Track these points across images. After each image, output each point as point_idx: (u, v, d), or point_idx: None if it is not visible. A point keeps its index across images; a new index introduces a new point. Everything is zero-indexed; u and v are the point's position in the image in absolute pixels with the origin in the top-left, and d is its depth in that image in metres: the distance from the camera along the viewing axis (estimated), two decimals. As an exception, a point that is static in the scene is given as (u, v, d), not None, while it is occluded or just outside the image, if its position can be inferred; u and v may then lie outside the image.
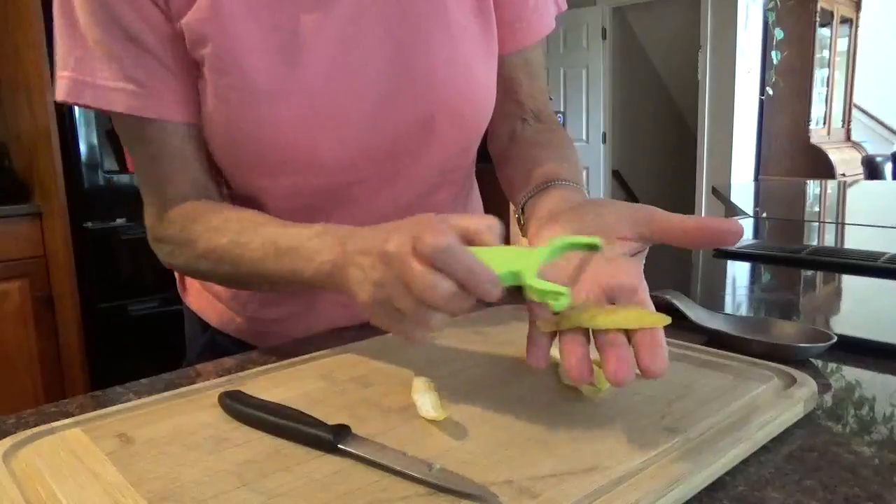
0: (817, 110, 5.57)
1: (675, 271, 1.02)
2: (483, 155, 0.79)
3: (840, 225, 1.57)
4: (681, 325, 0.64)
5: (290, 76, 0.59)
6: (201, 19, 0.57)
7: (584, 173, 5.67)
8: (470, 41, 0.65)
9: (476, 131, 0.70)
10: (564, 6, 0.76)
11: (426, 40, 0.62)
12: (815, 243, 1.26)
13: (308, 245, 0.50)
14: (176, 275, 0.83)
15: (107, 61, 0.57)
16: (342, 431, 0.41)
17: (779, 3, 4.78)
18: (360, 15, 0.60)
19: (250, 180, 0.65)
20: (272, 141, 0.60)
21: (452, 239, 0.39)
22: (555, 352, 0.54)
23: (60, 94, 0.59)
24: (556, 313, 0.43)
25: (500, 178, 0.72)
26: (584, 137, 5.66)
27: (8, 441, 0.42)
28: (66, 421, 0.45)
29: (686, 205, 5.25)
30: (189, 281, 0.81)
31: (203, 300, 0.79)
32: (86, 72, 0.57)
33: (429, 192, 0.71)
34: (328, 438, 0.40)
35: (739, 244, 1.07)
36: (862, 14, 5.97)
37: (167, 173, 0.62)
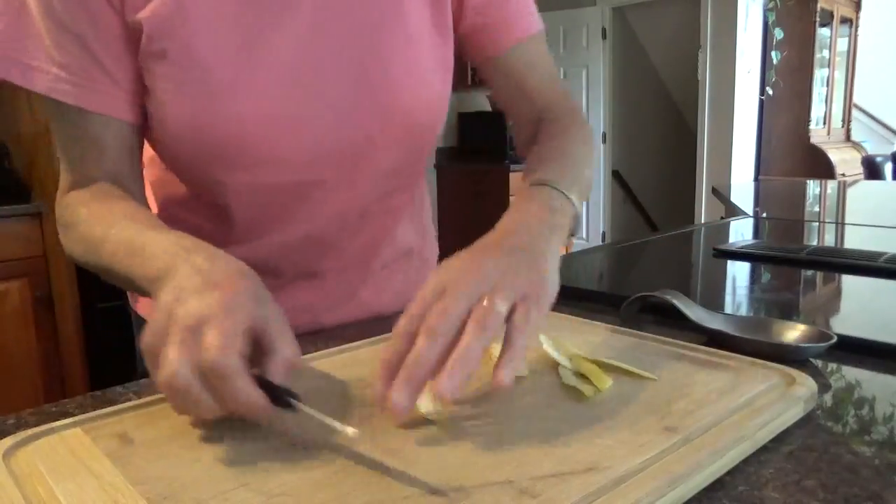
0: (817, 110, 5.57)
1: (675, 271, 1.02)
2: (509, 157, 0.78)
3: (840, 225, 1.57)
4: (681, 325, 0.64)
5: (251, 73, 0.59)
6: (164, 12, 0.57)
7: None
8: (427, 51, 0.67)
9: (428, 138, 0.71)
10: None
11: (385, 47, 0.64)
12: (815, 243, 1.26)
13: (151, 248, 0.49)
14: None
15: (39, 41, 0.57)
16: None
17: (779, 3, 4.78)
18: (323, 18, 0.61)
19: (208, 174, 0.65)
20: (231, 135, 0.61)
21: (233, 363, 0.39)
22: (553, 352, 0.54)
23: None
24: None
25: None
26: (584, 137, 5.65)
27: (8, 441, 0.42)
28: (66, 421, 0.45)
29: (686, 205, 5.24)
30: None
31: (150, 307, 0.80)
32: (19, 50, 0.57)
33: (385, 195, 0.73)
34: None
35: (739, 244, 1.07)
36: (862, 14, 5.97)
37: (81, 155, 0.62)
